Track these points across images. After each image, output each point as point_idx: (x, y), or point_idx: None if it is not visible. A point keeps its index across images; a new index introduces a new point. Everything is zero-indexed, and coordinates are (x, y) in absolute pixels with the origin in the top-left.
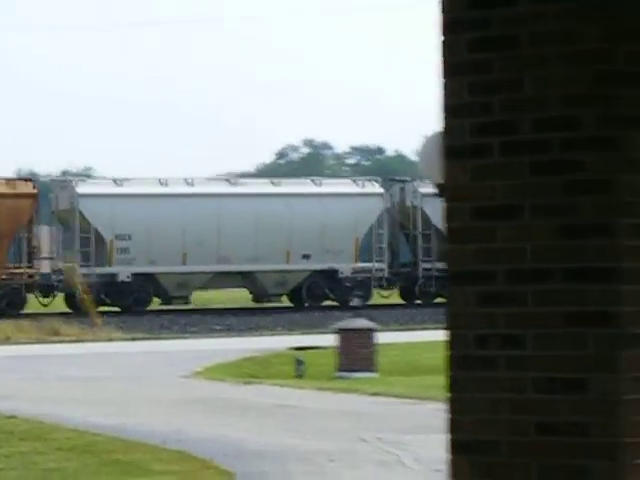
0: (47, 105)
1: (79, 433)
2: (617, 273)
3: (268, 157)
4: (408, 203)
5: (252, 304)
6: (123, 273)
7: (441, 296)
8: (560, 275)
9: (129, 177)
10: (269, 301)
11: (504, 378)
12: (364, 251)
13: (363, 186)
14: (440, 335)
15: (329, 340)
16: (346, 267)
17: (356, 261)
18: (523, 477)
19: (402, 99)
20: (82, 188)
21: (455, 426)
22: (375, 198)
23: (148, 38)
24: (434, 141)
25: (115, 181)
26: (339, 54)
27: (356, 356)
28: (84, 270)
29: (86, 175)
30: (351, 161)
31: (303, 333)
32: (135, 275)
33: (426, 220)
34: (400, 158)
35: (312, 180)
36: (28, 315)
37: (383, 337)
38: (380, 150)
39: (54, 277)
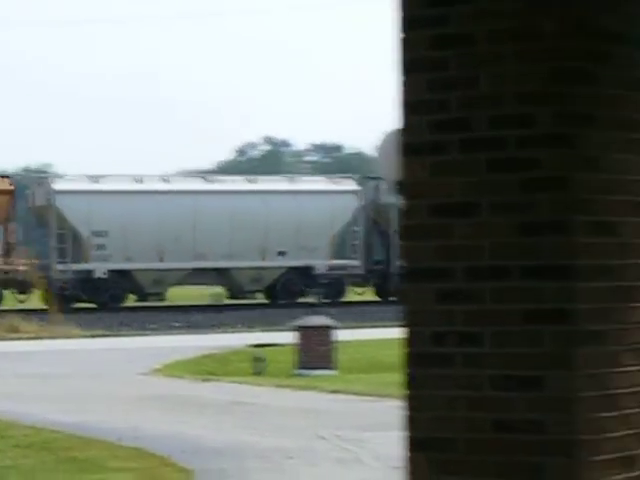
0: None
1: (37, 430)
2: (573, 270)
3: (228, 154)
4: (383, 201)
5: (213, 301)
6: (99, 270)
7: None
8: (518, 272)
9: (104, 174)
10: (245, 298)
11: (461, 375)
12: (339, 248)
13: (338, 184)
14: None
15: (289, 337)
16: (321, 264)
17: (331, 258)
18: (480, 474)
19: (361, 96)
20: (58, 185)
21: (412, 423)
22: (350, 195)
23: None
24: (392, 138)
25: (91, 178)
26: (299, 51)
27: (315, 353)
28: (60, 267)
29: (43, 172)
30: (310, 158)
31: (263, 330)
32: (111, 272)
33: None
34: (359, 155)
35: (288, 177)
36: None
37: (346, 334)
38: (339, 147)
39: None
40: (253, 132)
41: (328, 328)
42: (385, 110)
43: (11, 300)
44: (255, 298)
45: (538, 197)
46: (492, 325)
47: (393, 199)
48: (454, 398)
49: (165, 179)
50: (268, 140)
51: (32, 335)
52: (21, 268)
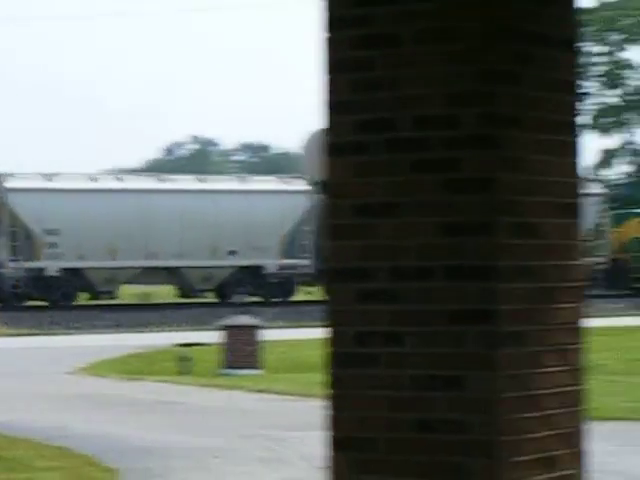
0: None
1: None
2: (495, 271)
3: (155, 153)
4: None
5: (140, 300)
6: (51, 268)
7: None
8: (441, 273)
9: (59, 172)
10: (195, 296)
11: (384, 375)
12: (290, 248)
13: (289, 183)
14: None
15: (215, 337)
16: (272, 263)
17: (282, 258)
18: (401, 474)
19: (289, 95)
20: (11, 182)
21: (334, 423)
22: (301, 195)
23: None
24: (317, 138)
25: (45, 176)
26: (226, 51)
27: (241, 353)
28: (12, 265)
29: None
30: (238, 158)
31: (191, 329)
32: (63, 270)
33: None
34: (286, 155)
35: (239, 177)
36: None
37: (278, 334)
38: (266, 147)
39: None
40: (181, 131)
41: (254, 328)
42: (312, 110)
43: None
44: (205, 297)
45: (462, 198)
46: (415, 325)
47: None
48: (376, 398)
49: (118, 178)
50: (195, 139)
51: None
52: None
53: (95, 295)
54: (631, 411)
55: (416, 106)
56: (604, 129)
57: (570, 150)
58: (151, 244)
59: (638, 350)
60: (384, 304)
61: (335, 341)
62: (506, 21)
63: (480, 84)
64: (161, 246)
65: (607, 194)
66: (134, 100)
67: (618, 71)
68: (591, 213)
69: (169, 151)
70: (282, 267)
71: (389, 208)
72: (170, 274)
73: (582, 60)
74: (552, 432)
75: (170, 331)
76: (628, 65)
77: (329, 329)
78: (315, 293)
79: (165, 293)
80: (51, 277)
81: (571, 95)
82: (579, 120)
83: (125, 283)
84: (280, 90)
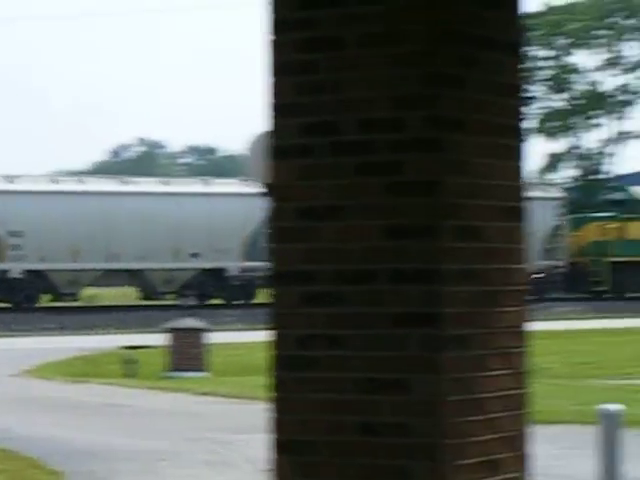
0: None
1: None
2: (439, 275)
3: (102, 155)
4: None
5: (84, 303)
6: (15, 270)
7: None
8: (385, 276)
9: (20, 174)
10: (157, 299)
11: (327, 378)
12: (252, 250)
13: (251, 186)
14: None
15: (161, 339)
16: (234, 266)
17: (244, 260)
18: (344, 477)
19: (235, 98)
20: None
21: (278, 426)
22: (262, 198)
23: None
24: (262, 141)
25: (7, 178)
26: (174, 53)
27: (187, 356)
28: None
29: None
30: (185, 160)
31: (137, 332)
32: (27, 272)
33: None
34: (232, 158)
35: (201, 179)
36: None
37: (225, 336)
38: (213, 150)
39: None
40: (127, 133)
41: (200, 330)
42: (258, 112)
43: None
44: (166, 299)
45: (407, 201)
46: (359, 328)
47: None
48: (319, 401)
49: (80, 180)
50: (142, 141)
51: None
52: None
53: (58, 297)
54: (577, 414)
55: (360, 109)
56: (550, 133)
57: (514, 154)
58: (113, 246)
59: (585, 353)
60: (327, 307)
61: (279, 344)
62: (451, 25)
63: (424, 87)
64: (123, 248)
65: (565, 198)
66: (82, 100)
67: (564, 75)
68: (549, 217)
69: (115, 153)
70: (244, 269)
71: (333, 211)
72: (132, 276)
73: (528, 64)
74: (496, 435)
75: (117, 334)
76: (574, 69)
77: (273, 332)
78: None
79: (112, 295)
80: (14, 279)
81: (516, 99)
82: (524, 124)
83: (88, 285)
84: (228, 92)
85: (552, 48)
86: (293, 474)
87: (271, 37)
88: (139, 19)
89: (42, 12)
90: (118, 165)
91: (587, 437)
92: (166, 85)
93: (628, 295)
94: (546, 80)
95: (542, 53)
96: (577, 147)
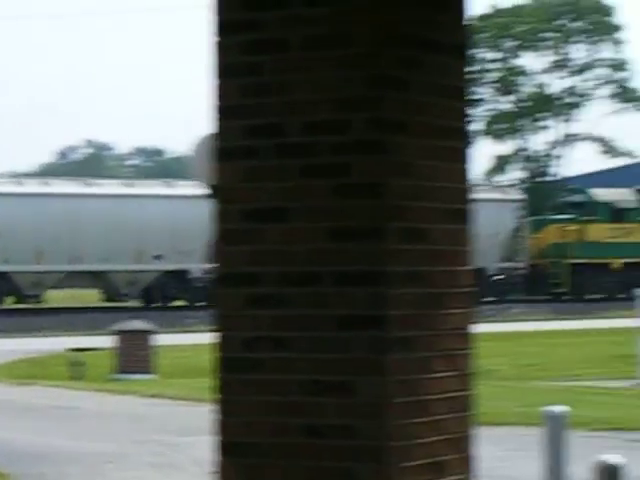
0: None
1: None
2: (384, 277)
3: (49, 157)
4: None
5: (32, 305)
6: None
7: None
8: (330, 278)
9: None
10: (120, 301)
11: (272, 381)
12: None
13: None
14: None
15: (109, 342)
16: (197, 268)
17: (207, 262)
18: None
19: (182, 99)
20: None
21: (223, 428)
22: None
23: None
24: (206, 142)
25: None
26: (120, 54)
27: (134, 358)
28: None
29: None
30: (133, 162)
31: (84, 334)
32: None
33: None
34: (179, 159)
35: (164, 182)
36: None
37: (173, 339)
38: (160, 152)
39: None
40: (75, 135)
41: (147, 332)
42: (205, 114)
43: None
44: (129, 301)
45: (351, 203)
46: (304, 330)
47: None
48: (264, 403)
49: (44, 182)
50: (89, 143)
51: None
52: None
53: (22, 299)
54: (522, 416)
55: (305, 111)
56: (498, 135)
57: (459, 156)
58: (77, 248)
59: (534, 355)
60: (272, 309)
61: (223, 346)
62: (395, 27)
63: (368, 89)
64: (87, 250)
65: (525, 200)
66: (29, 101)
67: (512, 77)
68: (509, 219)
69: (62, 155)
70: (207, 271)
71: (278, 213)
72: (96, 278)
73: (475, 66)
74: (441, 437)
75: (64, 336)
76: (522, 72)
77: (218, 334)
78: None
79: (60, 298)
80: None
81: (461, 101)
82: (469, 126)
83: (52, 287)
84: (176, 94)
85: (499, 50)
86: (238, 476)
87: (216, 39)
88: (88, 21)
89: None
90: (64, 167)
91: (532, 439)
92: (114, 87)
93: (587, 297)
94: (493, 82)
95: (489, 55)
96: (524, 149)
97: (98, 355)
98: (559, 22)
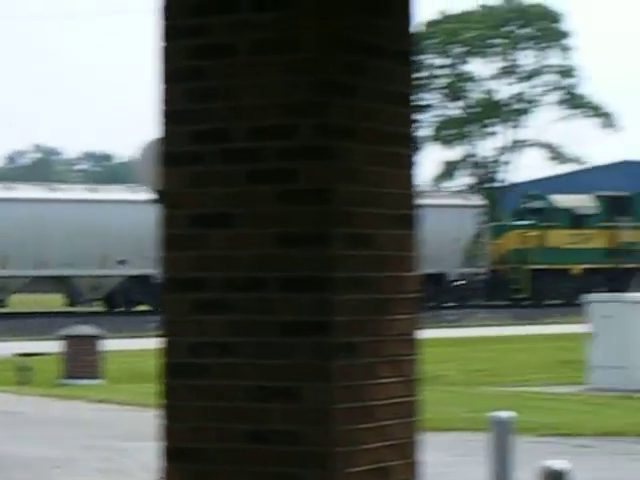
0: None
1: None
2: (330, 283)
3: None
4: None
5: None
6: None
7: None
8: (275, 284)
9: None
10: (84, 305)
11: (218, 386)
12: None
13: None
14: None
15: (57, 347)
16: (160, 273)
17: None
18: None
19: (130, 104)
20: None
21: (168, 433)
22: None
23: None
24: (152, 147)
25: None
26: (69, 59)
27: (82, 363)
28: None
29: None
30: (81, 167)
31: (36, 339)
32: None
33: None
34: (128, 164)
35: (129, 187)
36: None
37: (122, 344)
38: (109, 157)
39: None
40: (23, 140)
41: (95, 337)
42: (151, 119)
43: None
44: (92, 306)
45: (298, 209)
46: (249, 336)
47: None
48: (209, 409)
49: (8, 186)
50: (38, 148)
51: None
52: None
53: None
54: (469, 422)
55: (252, 116)
56: (446, 141)
57: (406, 162)
58: (42, 253)
59: (483, 360)
60: (218, 314)
61: (169, 351)
62: (341, 32)
63: (315, 95)
64: (51, 255)
65: (486, 206)
66: None
67: (460, 83)
68: (470, 225)
69: (11, 159)
70: None
71: (224, 219)
72: (60, 283)
73: (424, 72)
74: (386, 443)
75: (12, 341)
76: (470, 78)
77: (164, 339)
78: None
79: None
80: None
81: (407, 107)
82: (416, 132)
83: (16, 292)
84: (125, 98)
85: (448, 56)
86: None
87: (162, 44)
88: (36, 25)
89: None
90: (13, 172)
91: (479, 444)
92: (62, 91)
93: (547, 302)
94: (442, 88)
95: (438, 61)
96: (472, 155)
97: (46, 360)
98: (507, 28)
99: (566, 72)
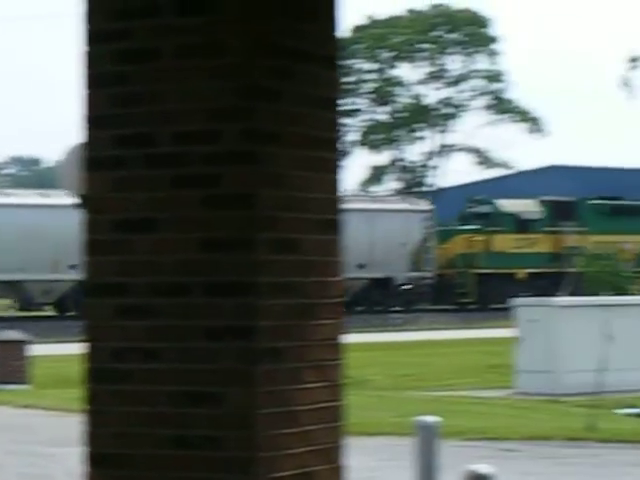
0: None
1: None
2: (255, 287)
3: None
4: None
5: None
6: None
7: None
8: (199, 289)
9: None
10: (35, 310)
11: (141, 391)
12: None
13: None
14: None
15: None
16: None
17: None
18: None
19: (59, 108)
20: None
21: (92, 439)
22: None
23: None
24: (76, 152)
25: None
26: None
27: (8, 368)
28: None
29: None
30: (8, 171)
31: None
32: None
33: None
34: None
35: None
36: None
37: (48, 349)
38: (37, 161)
39: None
40: None
41: (22, 342)
42: (77, 124)
43: None
44: (43, 310)
45: (222, 214)
46: (172, 341)
47: None
48: (133, 414)
49: None
50: None
51: None
52: None
53: None
54: (396, 426)
55: (177, 121)
56: (374, 146)
57: (331, 166)
58: None
59: (411, 365)
60: (142, 320)
61: (92, 356)
62: (266, 37)
63: (240, 100)
64: (2, 259)
65: (433, 211)
66: None
67: (388, 88)
68: (417, 229)
69: None
70: None
71: (148, 224)
72: (10, 287)
73: (351, 77)
74: (311, 448)
75: None
76: (398, 82)
77: (87, 344)
78: None
79: None
80: None
81: (332, 112)
82: (341, 137)
83: None
84: (52, 102)
85: (376, 61)
86: None
87: (86, 48)
88: None
89: None
90: None
91: (405, 449)
92: None
93: (492, 306)
94: (369, 93)
95: (365, 66)
96: (400, 160)
97: None
98: (435, 33)
99: (493, 77)
